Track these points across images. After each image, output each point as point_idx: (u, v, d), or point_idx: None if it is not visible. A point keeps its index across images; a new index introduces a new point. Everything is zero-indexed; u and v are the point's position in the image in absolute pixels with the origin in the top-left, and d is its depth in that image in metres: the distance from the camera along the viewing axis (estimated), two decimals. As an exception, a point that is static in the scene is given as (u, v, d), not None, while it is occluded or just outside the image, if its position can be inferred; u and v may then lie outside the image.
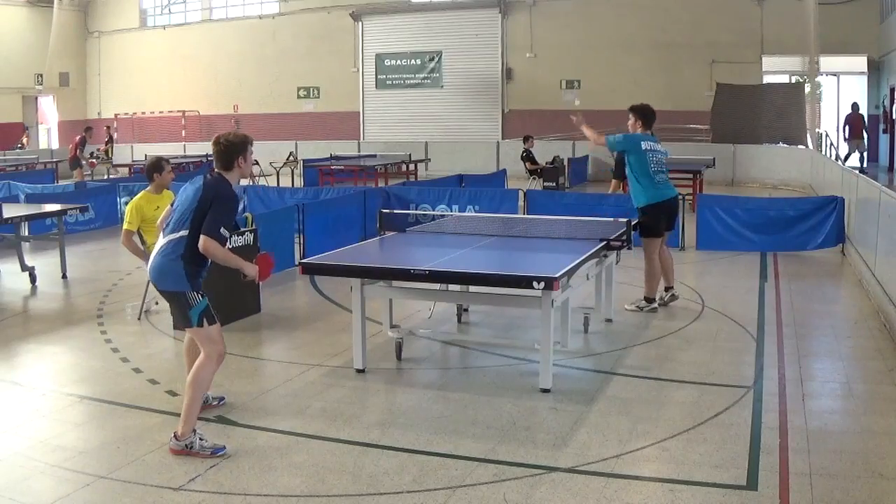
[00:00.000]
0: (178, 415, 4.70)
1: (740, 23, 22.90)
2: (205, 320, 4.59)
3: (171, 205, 4.99)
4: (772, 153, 21.54)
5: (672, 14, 23.65)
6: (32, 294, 8.96)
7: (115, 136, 24.23)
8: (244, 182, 20.36)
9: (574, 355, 6.29)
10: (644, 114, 7.90)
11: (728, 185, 20.22)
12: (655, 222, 7.73)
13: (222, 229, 4.56)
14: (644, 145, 7.70)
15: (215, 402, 5.26)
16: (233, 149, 4.70)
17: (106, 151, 23.30)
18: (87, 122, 30.70)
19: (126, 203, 14.03)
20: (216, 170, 4.76)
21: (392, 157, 21.41)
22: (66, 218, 10.41)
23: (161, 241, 4.72)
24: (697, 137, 22.49)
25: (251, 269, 4.84)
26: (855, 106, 21.45)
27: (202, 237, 4.49)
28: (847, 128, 21.30)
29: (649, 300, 7.76)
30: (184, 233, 4.57)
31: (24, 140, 27.77)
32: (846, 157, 20.82)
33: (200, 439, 4.51)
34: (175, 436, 4.51)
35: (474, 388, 5.69)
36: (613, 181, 15.39)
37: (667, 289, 7.94)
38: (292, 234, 10.08)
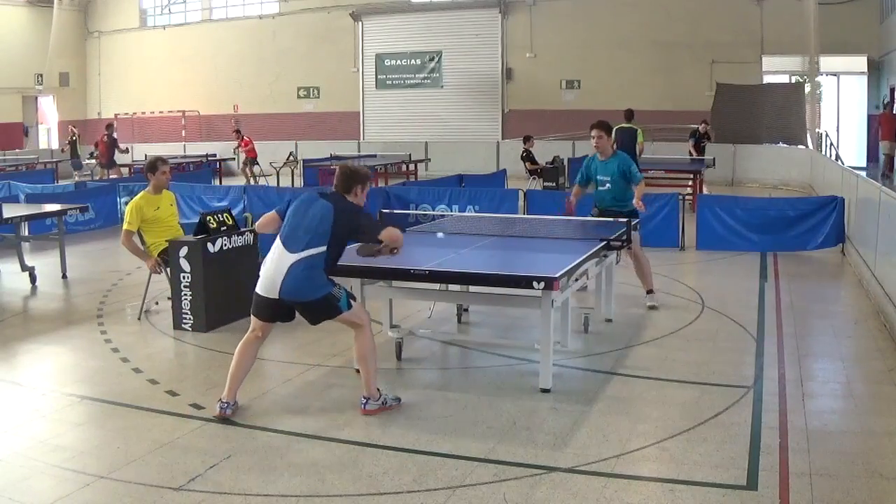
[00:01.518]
0: (178, 415, 4.82)
1: (740, 23, 22.90)
2: (350, 301, 5.06)
3: (276, 211, 5.24)
4: (772, 153, 21.55)
5: (672, 14, 23.65)
6: (32, 294, 8.96)
7: (76, 137, 24.26)
8: (243, 181, 20.44)
9: (574, 355, 6.29)
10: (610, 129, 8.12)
11: (728, 185, 20.23)
12: None
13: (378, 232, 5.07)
14: None
15: (234, 408, 5.17)
16: (355, 177, 5.11)
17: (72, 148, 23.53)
18: (87, 123, 30.80)
19: (126, 203, 14.11)
20: (336, 190, 5.14)
21: (392, 157, 21.41)
22: (66, 218, 10.41)
23: (290, 255, 4.89)
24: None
25: (389, 247, 5.12)
26: (889, 105, 20.97)
27: (385, 239, 5.03)
28: (883, 128, 20.33)
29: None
30: (321, 249, 4.91)
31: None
32: (890, 160, 19.78)
33: (387, 394, 5.19)
34: (368, 399, 5.10)
35: (474, 388, 5.70)
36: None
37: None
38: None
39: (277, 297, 4.92)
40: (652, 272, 8.09)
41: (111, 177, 20.17)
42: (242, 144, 22.23)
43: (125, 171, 21.13)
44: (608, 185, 7.83)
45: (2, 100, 28.39)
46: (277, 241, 5.03)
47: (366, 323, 5.14)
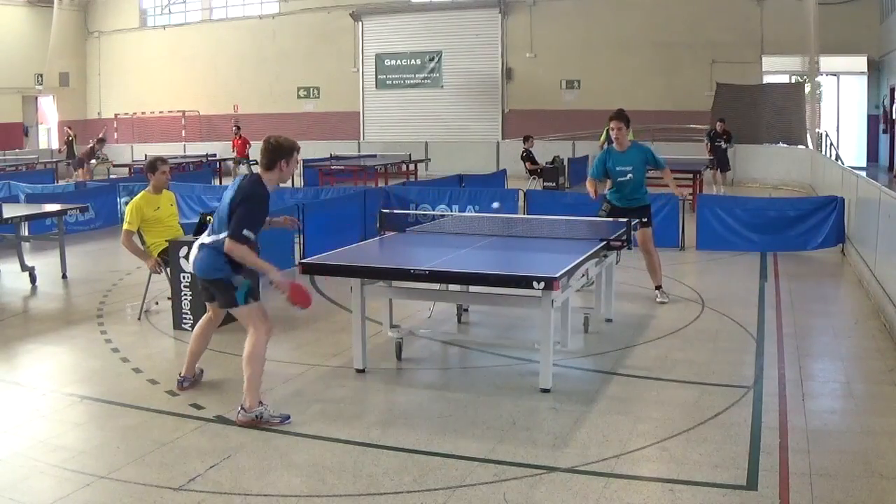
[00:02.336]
0: (178, 415, 4.81)
1: (740, 23, 22.91)
2: (248, 299, 4.97)
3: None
4: (772, 153, 21.55)
5: (672, 14, 23.66)
6: (32, 294, 8.96)
7: (73, 138, 24.36)
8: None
9: (574, 355, 6.29)
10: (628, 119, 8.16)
11: (728, 185, 20.21)
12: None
13: (245, 231, 4.78)
14: None
15: (191, 381, 5.62)
16: (280, 150, 4.93)
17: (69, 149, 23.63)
18: (86, 123, 30.81)
19: (126, 203, 14.10)
20: (259, 170, 5.03)
21: (392, 157, 21.41)
22: (66, 218, 10.42)
23: (203, 238, 5.04)
24: (698, 137, 22.49)
25: (276, 275, 4.83)
26: None
27: (226, 241, 4.79)
28: None
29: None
30: (224, 235, 4.85)
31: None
32: None
33: (268, 409, 4.92)
34: (243, 408, 4.89)
35: (474, 388, 5.69)
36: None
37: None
38: (292, 234, 10.07)
39: (194, 273, 5.18)
40: (661, 270, 8.25)
41: (77, 179, 20.22)
42: (234, 143, 22.32)
43: (125, 171, 21.16)
44: (630, 174, 7.99)
45: (2, 100, 28.40)
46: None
47: (262, 330, 4.98)
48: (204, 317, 5.61)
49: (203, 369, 5.76)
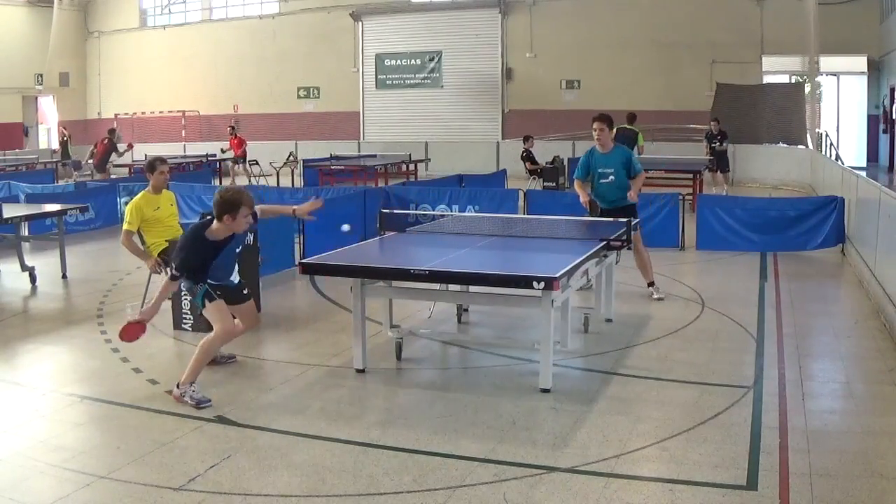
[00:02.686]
0: (178, 415, 4.86)
1: (740, 23, 22.90)
2: (206, 301, 5.36)
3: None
4: (772, 153, 21.55)
5: (672, 14, 23.66)
6: (32, 294, 8.96)
7: (67, 138, 24.31)
8: (244, 181, 20.45)
9: (574, 355, 6.29)
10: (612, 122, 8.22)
11: (728, 185, 20.21)
12: None
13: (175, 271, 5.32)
14: None
15: (223, 360, 6.16)
16: (223, 205, 5.21)
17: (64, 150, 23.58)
18: (86, 123, 30.82)
19: (126, 203, 14.10)
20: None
21: (392, 157, 21.40)
22: (66, 218, 10.42)
23: None
24: (697, 137, 22.49)
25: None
26: None
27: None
28: None
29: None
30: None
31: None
32: None
33: (193, 391, 5.27)
34: (178, 384, 5.31)
35: (474, 388, 5.69)
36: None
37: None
38: (292, 234, 10.07)
39: None
40: (652, 267, 8.32)
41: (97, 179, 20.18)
42: (230, 143, 22.30)
43: (125, 171, 21.14)
44: (611, 177, 8.00)
45: (2, 100, 28.40)
46: None
47: (219, 328, 5.38)
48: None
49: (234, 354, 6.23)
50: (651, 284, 8.28)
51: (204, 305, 5.41)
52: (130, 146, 21.63)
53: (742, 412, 5.09)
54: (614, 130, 8.13)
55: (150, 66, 30.48)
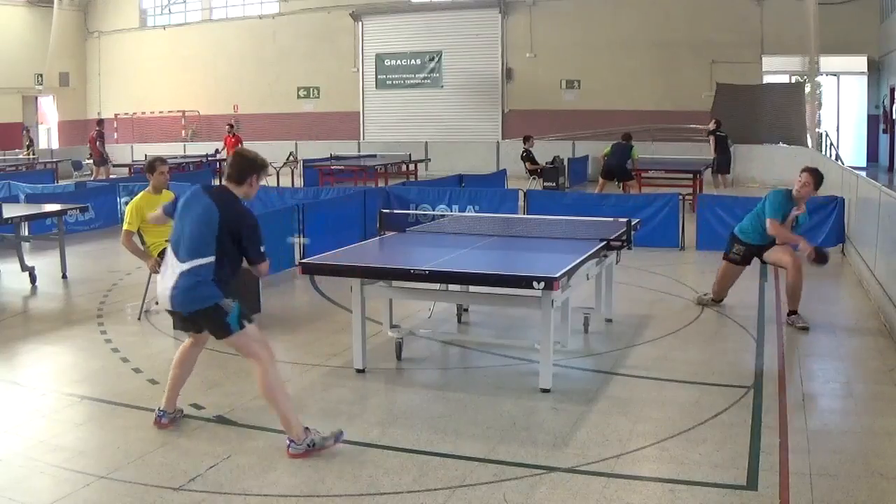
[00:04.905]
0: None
1: (740, 23, 22.90)
2: (244, 322, 4.52)
3: (163, 208, 4.95)
4: (772, 153, 21.55)
5: (672, 14, 23.66)
6: (32, 294, 8.96)
7: (34, 136, 24.41)
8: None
9: (574, 355, 6.29)
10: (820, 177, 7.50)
11: (728, 185, 20.21)
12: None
13: (262, 247, 4.57)
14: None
15: (179, 415, 5.01)
16: (253, 165, 4.62)
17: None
18: (86, 123, 30.80)
19: (126, 203, 14.09)
20: (225, 182, 4.65)
21: (392, 157, 21.40)
22: (66, 218, 10.42)
23: (177, 266, 4.47)
24: (697, 137, 22.49)
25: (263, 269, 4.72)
26: None
27: (261, 265, 4.58)
28: None
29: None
30: (209, 259, 4.43)
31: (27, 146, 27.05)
32: None
33: (317, 433, 4.48)
34: (294, 442, 4.45)
35: (474, 388, 5.69)
36: (601, 180, 16.44)
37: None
38: (292, 234, 10.07)
39: (171, 308, 4.56)
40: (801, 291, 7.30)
41: (100, 177, 20.20)
42: (226, 141, 22.28)
43: (125, 171, 21.14)
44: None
45: (2, 100, 28.39)
46: (169, 247, 4.60)
47: (265, 357, 4.56)
48: (186, 342, 4.98)
49: (183, 410, 5.07)
50: (792, 313, 7.24)
51: (241, 326, 4.49)
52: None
53: (742, 412, 5.09)
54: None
55: (150, 66, 30.47)
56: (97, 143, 20.97)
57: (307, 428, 4.48)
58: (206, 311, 4.48)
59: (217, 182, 20.81)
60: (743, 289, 8.73)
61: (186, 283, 4.45)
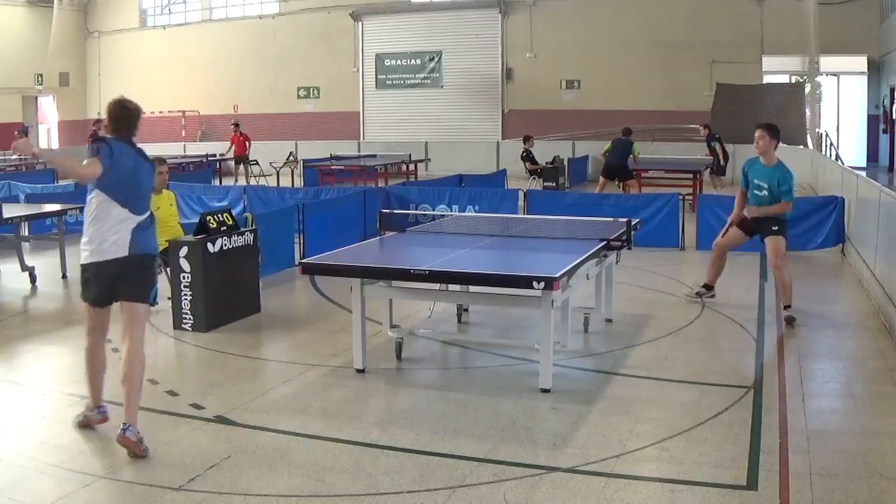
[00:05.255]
0: (178, 415, 4.82)
1: (740, 23, 22.92)
2: (154, 301, 4.83)
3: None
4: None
5: (672, 14, 23.67)
6: (32, 294, 8.96)
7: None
8: (242, 182, 20.44)
9: (574, 355, 6.29)
10: (776, 132, 7.57)
11: (728, 186, 20.21)
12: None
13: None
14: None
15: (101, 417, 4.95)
16: (138, 113, 4.96)
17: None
18: (86, 123, 30.80)
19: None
20: (129, 137, 4.92)
21: (392, 158, 21.41)
22: (66, 218, 10.40)
23: (132, 220, 4.66)
24: (697, 137, 22.47)
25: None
26: None
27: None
28: None
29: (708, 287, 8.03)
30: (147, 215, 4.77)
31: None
32: None
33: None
34: (128, 427, 4.45)
35: (474, 388, 5.69)
36: (602, 179, 16.24)
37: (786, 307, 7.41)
38: (292, 234, 10.08)
39: (127, 254, 4.58)
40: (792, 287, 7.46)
41: None
42: (232, 140, 22.27)
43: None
44: (765, 192, 7.55)
45: (2, 100, 28.38)
46: (114, 206, 4.58)
47: (140, 337, 4.71)
48: (89, 338, 4.92)
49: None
50: (787, 307, 7.34)
51: (151, 303, 4.82)
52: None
53: (742, 412, 5.09)
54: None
55: (150, 66, 30.46)
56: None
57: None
58: (147, 260, 4.68)
59: (218, 181, 20.86)
60: (743, 289, 8.74)
61: (143, 232, 4.68)
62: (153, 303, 4.84)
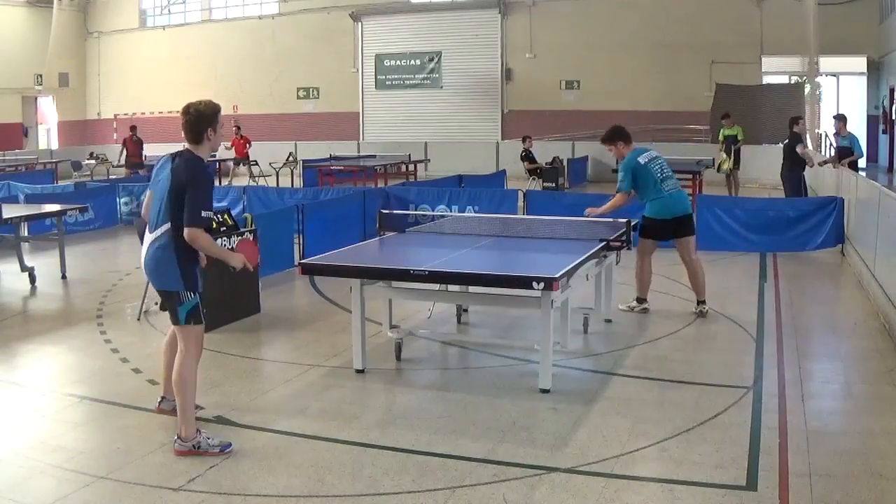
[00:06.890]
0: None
1: (740, 23, 22.91)
2: (192, 320, 4.54)
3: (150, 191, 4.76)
4: (772, 153, 21.51)
5: (672, 14, 23.66)
6: (32, 294, 8.96)
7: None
8: (242, 182, 20.43)
9: (574, 355, 6.29)
10: (621, 134, 7.61)
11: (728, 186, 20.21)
12: (655, 230, 7.65)
13: (203, 213, 4.38)
14: (642, 159, 7.57)
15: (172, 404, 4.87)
16: (203, 119, 4.48)
17: None
18: (86, 123, 30.82)
19: (126, 203, 14.11)
20: (186, 145, 4.57)
21: (392, 158, 21.41)
22: (66, 218, 10.42)
23: (148, 235, 4.55)
24: (697, 137, 22.51)
25: (237, 260, 4.74)
26: None
27: (186, 229, 4.34)
28: None
29: (640, 300, 7.77)
30: (168, 225, 4.43)
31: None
32: None
33: (207, 438, 4.51)
34: (179, 438, 4.50)
35: (474, 388, 5.69)
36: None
37: (698, 302, 7.63)
38: (292, 235, 10.08)
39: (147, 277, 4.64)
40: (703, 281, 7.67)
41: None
42: (232, 142, 22.25)
43: (122, 171, 21.16)
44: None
45: (1, 100, 28.39)
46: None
47: (194, 353, 4.55)
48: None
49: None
50: (639, 300, 7.73)
51: (187, 322, 4.51)
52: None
53: (741, 412, 5.09)
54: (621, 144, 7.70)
55: (149, 67, 30.46)
56: (137, 147, 21.20)
57: (199, 430, 4.54)
58: (166, 294, 4.61)
59: (218, 181, 20.85)
60: (743, 289, 8.74)
61: (152, 252, 4.51)
62: (186, 322, 4.56)
